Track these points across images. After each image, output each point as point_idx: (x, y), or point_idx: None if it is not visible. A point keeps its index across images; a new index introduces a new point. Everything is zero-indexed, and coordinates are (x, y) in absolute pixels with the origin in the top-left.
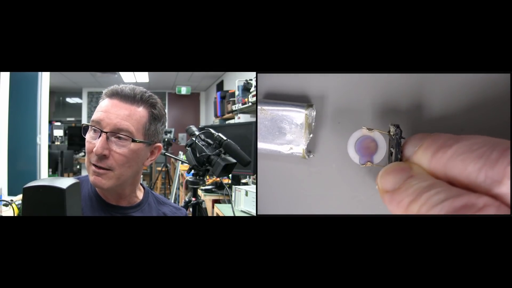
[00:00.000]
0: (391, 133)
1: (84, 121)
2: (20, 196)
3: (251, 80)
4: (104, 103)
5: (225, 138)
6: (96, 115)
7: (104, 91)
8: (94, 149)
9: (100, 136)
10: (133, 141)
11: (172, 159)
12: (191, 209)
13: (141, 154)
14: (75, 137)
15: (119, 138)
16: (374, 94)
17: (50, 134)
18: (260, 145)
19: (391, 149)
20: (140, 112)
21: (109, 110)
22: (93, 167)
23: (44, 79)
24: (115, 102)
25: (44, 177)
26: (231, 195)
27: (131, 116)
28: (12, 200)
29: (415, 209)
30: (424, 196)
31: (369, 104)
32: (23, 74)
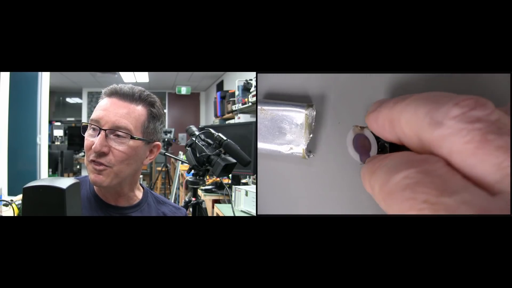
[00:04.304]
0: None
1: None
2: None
3: (251, 80)
4: (103, 102)
5: (225, 138)
6: (95, 114)
7: (103, 91)
8: (93, 146)
9: (99, 134)
10: (132, 138)
11: (172, 159)
12: (191, 209)
13: (140, 152)
14: (75, 137)
15: (118, 135)
16: (374, 94)
17: (50, 134)
18: (260, 145)
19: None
20: (139, 110)
21: (108, 109)
22: (93, 164)
23: (44, 79)
24: (114, 101)
25: (44, 177)
26: (231, 195)
27: (130, 114)
28: (12, 200)
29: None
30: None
31: (369, 104)
32: (23, 74)
